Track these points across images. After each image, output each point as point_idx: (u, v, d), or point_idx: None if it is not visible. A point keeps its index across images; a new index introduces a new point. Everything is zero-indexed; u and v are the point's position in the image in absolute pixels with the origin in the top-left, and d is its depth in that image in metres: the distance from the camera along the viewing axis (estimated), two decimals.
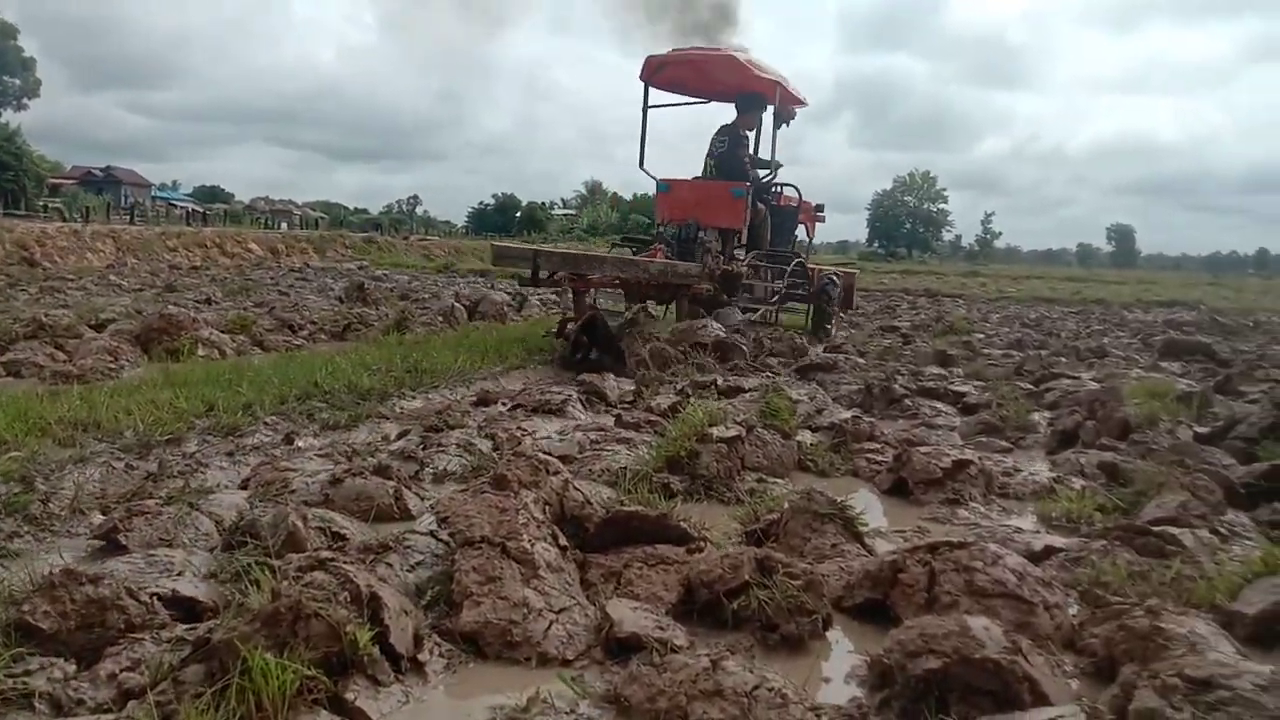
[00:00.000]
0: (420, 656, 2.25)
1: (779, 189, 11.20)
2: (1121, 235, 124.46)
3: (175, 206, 58.38)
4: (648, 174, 10.70)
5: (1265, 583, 2.83)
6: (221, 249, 28.48)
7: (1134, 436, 5.14)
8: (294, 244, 32.98)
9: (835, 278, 11.65)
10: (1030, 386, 7.31)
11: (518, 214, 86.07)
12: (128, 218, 38.61)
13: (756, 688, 2.08)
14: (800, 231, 12.02)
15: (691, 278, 8.39)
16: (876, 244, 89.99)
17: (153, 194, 72.05)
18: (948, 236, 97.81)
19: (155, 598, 2.36)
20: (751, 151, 10.72)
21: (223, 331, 8.33)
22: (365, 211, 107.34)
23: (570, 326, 7.85)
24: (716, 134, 10.63)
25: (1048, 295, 27.43)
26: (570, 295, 8.05)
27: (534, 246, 11.48)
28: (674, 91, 11.16)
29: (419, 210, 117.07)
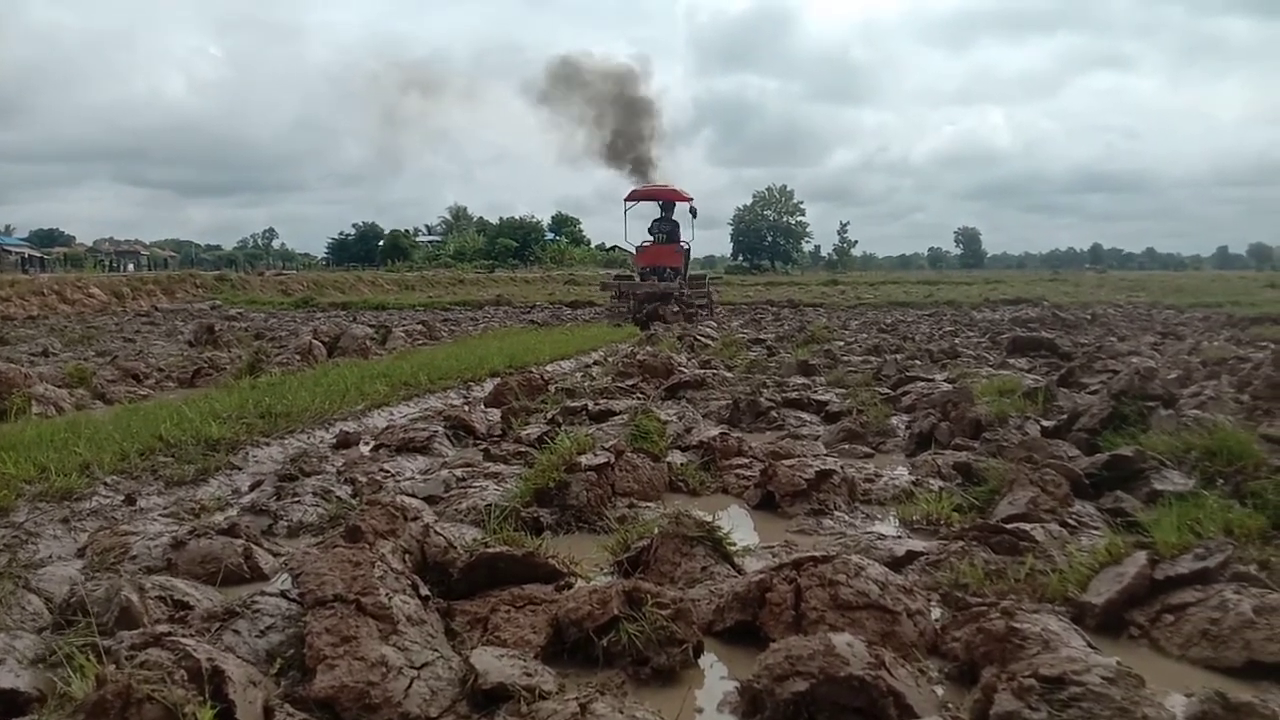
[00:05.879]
0: None
1: (685, 243, 22.13)
2: (968, 238, 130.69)
3: (9, 252, 54.57)
4: (630, 243, 22.48)
5: (1110, 572, 2.96)
6: (61, 296, 26.89)
7: (986, 435, 5.35)
8: (141, 286, 31.42)
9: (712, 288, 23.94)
10: (888, 391, 7.54)
11: (380, 242, 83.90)
12: None
13: None
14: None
15: (675, 288, 19.70)
16: (740, 258, 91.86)
17: None
18: (807, 247, 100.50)
19: None
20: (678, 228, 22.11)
21: (59, 386, 7.82)
22: (218, 248, 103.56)
23: (639, 316, 18.80)
24: (656, 221, 21.48)
25: (903, 299, 28.57)
26: (631, 299, 19.81)
27: (617, 280, 22.08)
28: (638, 202, 21.88)
29: (276, 244, 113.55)
